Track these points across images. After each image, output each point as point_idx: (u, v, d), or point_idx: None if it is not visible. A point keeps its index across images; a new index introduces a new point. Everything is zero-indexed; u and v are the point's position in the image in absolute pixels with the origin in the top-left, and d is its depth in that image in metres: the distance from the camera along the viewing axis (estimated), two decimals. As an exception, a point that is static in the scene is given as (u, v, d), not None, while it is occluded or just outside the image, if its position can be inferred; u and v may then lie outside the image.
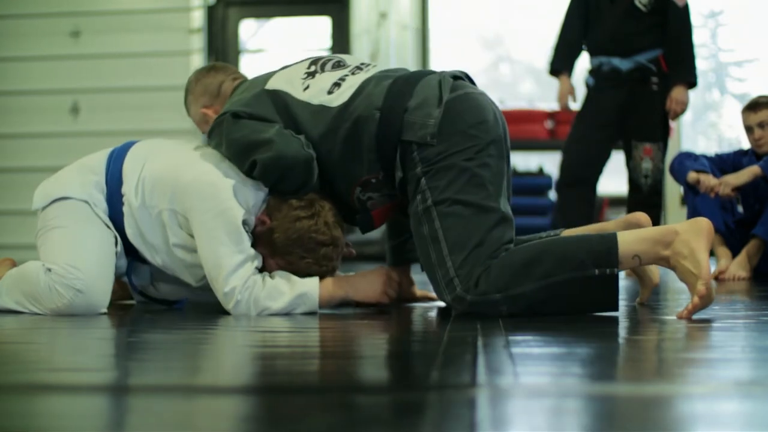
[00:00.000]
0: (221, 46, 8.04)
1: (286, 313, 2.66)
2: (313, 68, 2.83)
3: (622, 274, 2.49)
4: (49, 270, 2.74)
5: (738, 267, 4.24)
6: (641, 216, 2.78)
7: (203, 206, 2.68)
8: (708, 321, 2.35)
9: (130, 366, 1.90)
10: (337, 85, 2.73)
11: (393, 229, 3.04)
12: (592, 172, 4.89)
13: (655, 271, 2.78)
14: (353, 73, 2.76)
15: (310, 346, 2.22)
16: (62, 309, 2.73)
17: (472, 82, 2.80)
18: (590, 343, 2.07)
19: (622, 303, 2.75)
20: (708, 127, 9.10)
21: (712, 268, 3.70)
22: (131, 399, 1.53)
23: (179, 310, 2.96)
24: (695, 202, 4.43)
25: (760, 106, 4.51)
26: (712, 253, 2.48)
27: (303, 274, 2.73)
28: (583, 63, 5.07)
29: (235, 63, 7.98)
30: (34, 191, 2.88)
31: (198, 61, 7.66)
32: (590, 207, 4.91)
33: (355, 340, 2.28)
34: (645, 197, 4.77)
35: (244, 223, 2.69)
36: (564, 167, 4.94)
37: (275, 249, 2.73)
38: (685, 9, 4.77)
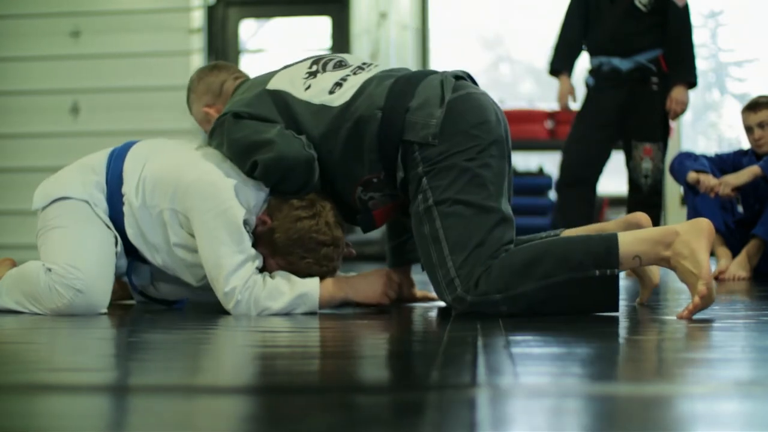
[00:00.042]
0: (221, 46, 8.04)
1: (286, 314, 2.66)
2: (314, 68, 2.82)
3: (622, 274, 2.49)
4: (49, 270, 2.74)
5: (738, 267, 4.24)
6: (641, 216, 2.78)
7: (204, 206, 2.68)
8: (708, 321, 2.35)
9: (130, 366, 1.90)
10: (338, 84, 2.73)
11: (393, 229, 3.04)
12: (592, 172, 4.89)
13: (656, 272, 2.77)
14: (355, 73, 2.76)
15: (310, 346, 2.22)
16: (62, 309, 2.73)
17: (474, 82, 2.80)
18: (590, 343, 2.07)
19: (622, 303, 2.75)
20: (708, 127, 9.10)
21: (713, 269, 3.70)
22: (131, 399, 1.53)
23: (179, 310, 2.96)
24: (695, 202, 4.43)
25: (760, 106, 4.51)
26: (712, 254, 2.48)
27: (304, 274, 2.73)
28: (583, 63, 5.07)
29: (235, 63, 7.97)
30: (34, 191, 2.88)
31: (198, 61, 7.66)
32: (590, 207, 4.92)
33: (355, 340, 2.28)
34: (645, 197, 4.77)
35: (245, 223, 2.69)
36: (564, 167, 4.94)
37: (276, 249, 2.73)
38: (685, 9, 4.77)
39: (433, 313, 2.76)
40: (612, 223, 2.85)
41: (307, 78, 2.79)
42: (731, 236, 4.43)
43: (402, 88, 2.66)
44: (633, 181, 4.83)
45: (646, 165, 4.78)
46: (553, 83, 5.16)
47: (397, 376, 1.76)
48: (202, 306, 2.96)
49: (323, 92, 2.73)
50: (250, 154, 2.68)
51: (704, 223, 2.47)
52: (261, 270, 2.74)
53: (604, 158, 4.90)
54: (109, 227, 2.82)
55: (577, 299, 2.51)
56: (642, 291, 2.81)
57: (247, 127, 2.71)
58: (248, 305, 2.65)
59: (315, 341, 2.30)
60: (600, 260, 2.48)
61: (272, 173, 2.68)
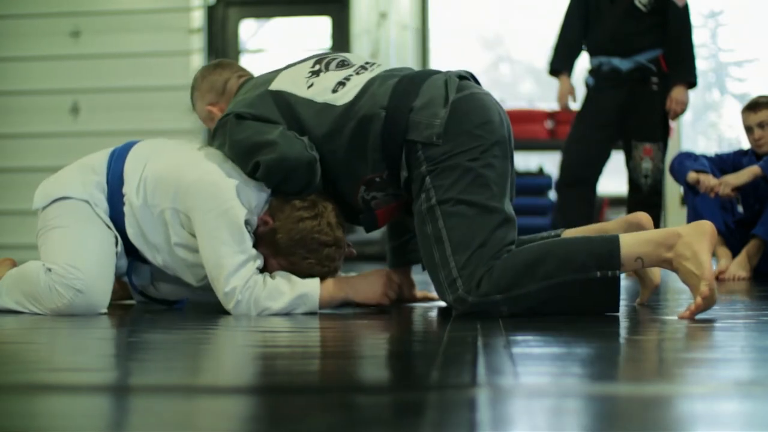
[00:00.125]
0: (221, 46, 8.04)
1: (286, 314, 2.66)
2: (317, 67, 2.82)
3: (622, 275, 2.49)
4: (50, 270, 2.74)
5: (738, 267, 4.24)
6: (642, 216, 2.78)
7: (206, 206, 2.68)
8: (708, 321, 2.35)
9: (131, 366, 1.90)
10: (341, 84, 2.73)
11: (394, 230, 3.04)
12: (592, 172, 4.89)
13: (656, 272, 2.77)
14: (358, 73, 2.76)
15: (310, 346, 2.22)
16: (62, 309, 2.73)
17: (477, 82, 2.80)
18: (590, 343, 2.07)
19: (623, 303, 2.75)
20: (708, 127, 9.10)
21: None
22: (131, 399, 1.53)
23: (179, 310, 2.96)
24: (695, 202, 4.43)
25: (760, 106, 4.51)
26: (712, 254, 2.48)
27: (305, 274, 2.73)
28: (583, 63, 5.07)
29: (236, 63, 7.96)
30: (34, 191, 2.87)
31: (198, 61, 7.66)
32: (590, 207, 4.92)
33: (355, 340, 2.28)
34: (645, 197, 4.77)
35: (247, 223, 2.69)
36: (564, 167, 4.95)
37: (278, 249, 2.73)
38: (685, 9, 4.77)
39: (433, 313, 2.76)
40: (613, 222, 2.85)
41: (309, 77, 2.78)
42: (731, 236, 4.43)
43: (406, 88, 2.66)
44: (633, 181, 4.83)
45: (646, 165, 4.78)
46: (553, 83, 5.16)
47: (397, 376, 1.76)
48: (202, 306, 2.96)
49: (326, 91, 2.73)
50: (252, 155, 2.68)
51: (707, 226, 2.47)
52: (262, 270, 2.74)
53: (604, 158, 4.90)
54: (109, 227, 2.82)
55: (578, 300, 2.51)
56: (642, 291, 2.81)
57: (250, 128, 2.71)
58: (248, 305, 2.65)
59: (315, 341, 2.30)
60: (602, 262, 2.48)
61: (274, 174, 2.68)
